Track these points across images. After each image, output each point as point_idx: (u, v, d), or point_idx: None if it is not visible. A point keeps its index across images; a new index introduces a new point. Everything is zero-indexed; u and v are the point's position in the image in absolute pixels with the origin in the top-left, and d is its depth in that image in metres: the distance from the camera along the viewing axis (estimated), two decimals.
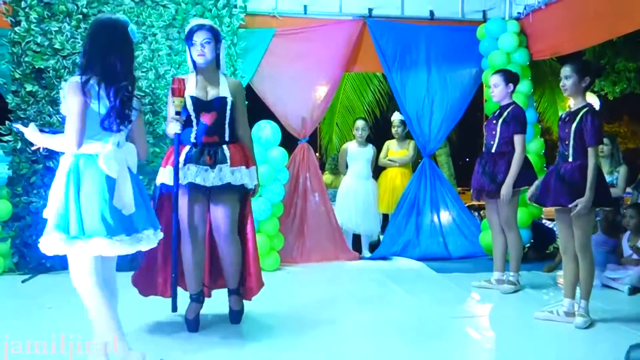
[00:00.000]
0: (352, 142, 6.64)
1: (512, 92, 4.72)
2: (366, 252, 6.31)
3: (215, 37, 3.49)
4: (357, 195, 6.30)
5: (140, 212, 2.62)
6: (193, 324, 3.52)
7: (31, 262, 5.14)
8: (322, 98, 6.15)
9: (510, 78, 4.69)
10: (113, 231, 2.53)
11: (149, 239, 2.66)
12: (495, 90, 4.70)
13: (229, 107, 3.48)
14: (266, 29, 5.89)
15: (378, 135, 7.68)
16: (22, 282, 4.78)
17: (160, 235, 2.80)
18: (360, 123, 6.51)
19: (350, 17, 6.13)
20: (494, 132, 4.64)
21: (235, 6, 5.62)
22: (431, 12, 6.27)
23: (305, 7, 6.00)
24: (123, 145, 2.67)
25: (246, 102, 3.68)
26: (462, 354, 3.33)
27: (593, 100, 9.54)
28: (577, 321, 3.67)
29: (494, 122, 4.67)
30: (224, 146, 3.47)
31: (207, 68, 3.52)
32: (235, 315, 3.66)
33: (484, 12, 6.34)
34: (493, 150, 4.64)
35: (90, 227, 2.52)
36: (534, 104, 6.55)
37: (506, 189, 4.49)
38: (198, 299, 3.58)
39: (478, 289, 4.73)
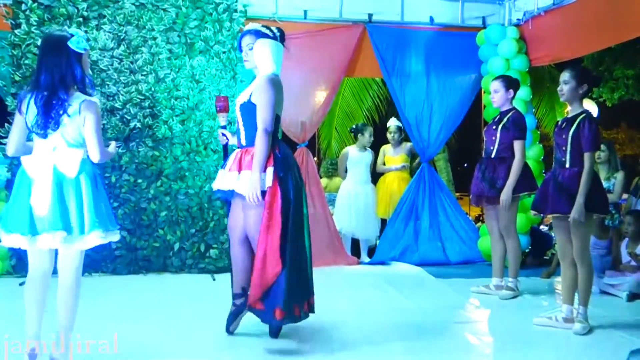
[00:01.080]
0: (351, 146, 6.65)
1: (513, 98, 4.73)
2: (365, 257, 6.31)
3: (258, 36, 3.50)
4: (357, 200, 6.30)
5: (54, 214, 2.75)
6: (227, 323, 3.52)
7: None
8: (321, 103, 6.17)
9: (511, 84, 4.71)
10: (10, 227, 2.83)
11: (48, 241, 2.78)
12: (496, 96, 4.71)
13: (238, 110, 3.50)
14: None
15: (377, 140, 7.67)
16: (20, 284, 4.73)
17: (102, 235, 2.85)
18: (371, 130, 6.55)
19: (350, 23, 6.14)
20: (493, 138, 4.65)
21: (236, 10, 5.63)
22: (431, 18, 6.29)
23: (305, 12, 6.01)
24: (59, 149, 2.83)
25: (266, 98, 3.37)
26: (461, 359, 3.32)
27: (591, 107, 9.57)
28: (576, 327, 3.67)
29: (494, 127, 4.68)
30: (236, 150, 3.51)
31: (257, 72, 3.54)
32: (270, 329, 3.52)
33: (484, 18, 6.36)
34: (493, 156, 4.65)
35: (5, 222, 2.86)
36: (533, 110, 6.57)
37: (506, 194, 4.49)
38: (232, 300, 3.55)
39: (477, 295, 4.73)
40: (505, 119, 4.64)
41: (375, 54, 6.16)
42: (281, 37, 3.56)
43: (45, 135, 2.81)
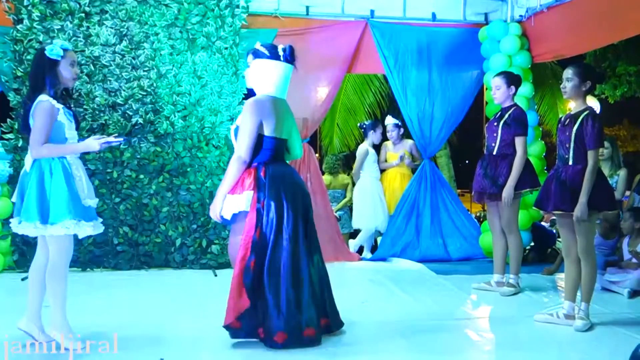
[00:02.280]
0: (366, 144, 6.60)
1: (514, 94, 4.72)
2: (367, 253, 6.32)
3: (255, 56, 3.39)
4: (381, 195, 6.40)
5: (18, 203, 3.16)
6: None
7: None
8: (323, 99, 6.16)
9: (512, 80, 4.69)
10: None
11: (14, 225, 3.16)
12: (497, 93, 4.70)
13: (232, 134, 3.44)
14: (268, 29, 5.89)
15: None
16: (22, 280, 4.76)
17: (23, 226, 3.09)
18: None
19: (352, 19, 6.14)
20: (495, 135, 4.64)
21: (238, 6, 5.63)
22: (433, 14, 6.28)
23: (307, 7, 6.01)
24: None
25: (242, 122, 3.30)
26: (462, 356, 3.32)
27: (593, 103, 9.55)
28: (577, 324, 3.67)
29: (495, 124, 4.67)
30: None
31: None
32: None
33: (486, 14, 6.35)
34: (494, 153, 4.64)
35: None
36: (535, 106, 6.56)
37: (507, 191, 4.49)
38: None
39: (478, 291, 4.73)
40: (506, 116, 4.63)
41: (377, 50, 6.15)
42: (288, 57, 3.36)
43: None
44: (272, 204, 3.24)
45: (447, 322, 3.90)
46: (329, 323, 3.42)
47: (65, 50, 3.13)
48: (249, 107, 3.28)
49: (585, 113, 3.69)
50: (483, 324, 3.99)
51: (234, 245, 3.34)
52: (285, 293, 3.20)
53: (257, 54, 3.38)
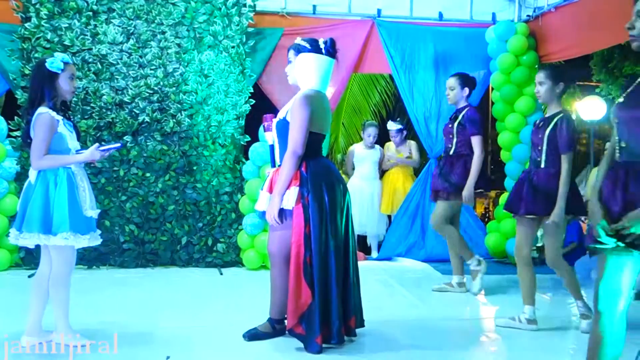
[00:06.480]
0: (358, 144, 6.65)
1: (468, 95, 4.71)
2: (375, 253, 6.32)
3: (297, 51, 3.36)
4: (364, 196, 6.31)
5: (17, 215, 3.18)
6: (250, 335, 3.40)
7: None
8: (329, 98, 6.15)
9: (467, 82, 4.70)
10: None
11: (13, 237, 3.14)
12: (451, 93, 4.71)
13: (274, 127, 3.39)
14: (275, 28, 5.90)
15: (384, 136, 7.67)
16: (29, 277, 4.79)
17: (24, 236, 3.07)
18: (372, 130, 6.55)
19: (359, 18, 6.14)
20: (451, 136, 4.67)
21: (245, 5, 5.64)
22: (440, 14, 6.27)
23: (314, 7, 6.01)
24: None
25: (299, 116, 3.22)
26: (467, 356, 3.33)
27: (600, 104, 9.48)
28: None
29: (450, 125, 4.69)
30: (270, 170, 3.43)
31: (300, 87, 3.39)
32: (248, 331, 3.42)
33: (493, 14, 6.34)
34: (451, 153, 4.65)
35: None
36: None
37: (468, 190, 4.49)
38: (270, 322, 3.44)
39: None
40: (460, 117, 4.63)
41: (384, 50, 6.14)
42: (329, 49, 3.36)
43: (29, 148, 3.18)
44: (315, 198, 3.19)
45: (452, 322, 3.91)
46: (355, 320, 3.41)
47: (65, 63, 3.15)
48: (302, 102, 3.22)
49: (560, 116, 3.67)
50: (488, 324, 3.99)
51: (278, 241, 3.30)
52: (334, 289, 3.19)
53: (299, 49, 3.35)
